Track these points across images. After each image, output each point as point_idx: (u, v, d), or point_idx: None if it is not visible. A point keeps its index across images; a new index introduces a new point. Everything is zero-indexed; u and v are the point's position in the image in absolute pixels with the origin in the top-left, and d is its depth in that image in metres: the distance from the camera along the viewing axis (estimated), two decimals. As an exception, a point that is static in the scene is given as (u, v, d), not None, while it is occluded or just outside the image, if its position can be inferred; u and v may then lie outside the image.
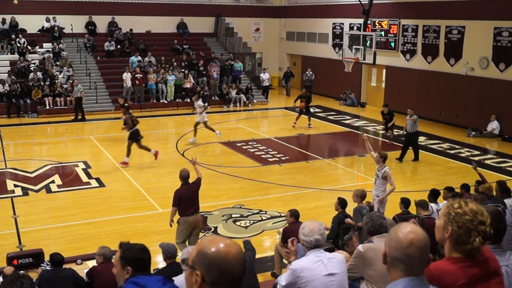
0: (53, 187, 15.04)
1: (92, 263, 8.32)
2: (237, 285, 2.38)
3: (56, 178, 15.78)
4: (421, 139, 19.54)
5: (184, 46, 31.24)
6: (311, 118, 23.44)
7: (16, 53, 28.14)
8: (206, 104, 21.14)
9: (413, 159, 17.82)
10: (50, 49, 28.81)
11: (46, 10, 30.17)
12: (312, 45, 33.78)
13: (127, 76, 26.76)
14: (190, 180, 10.28)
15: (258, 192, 14.80)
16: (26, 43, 28.55)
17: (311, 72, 31.32)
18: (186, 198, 10.04)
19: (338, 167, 17.79)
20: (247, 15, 35.06)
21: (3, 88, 25.38)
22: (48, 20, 30.12)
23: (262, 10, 35.83)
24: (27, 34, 29.48)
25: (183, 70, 28.77)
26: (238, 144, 20.02)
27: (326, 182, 15.83)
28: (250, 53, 34.28)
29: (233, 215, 12.90)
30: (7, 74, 26.20)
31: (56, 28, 29.59)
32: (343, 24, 30.71)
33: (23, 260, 8.43)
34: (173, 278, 5.41)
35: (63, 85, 26.15)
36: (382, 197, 11.38)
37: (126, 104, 19.92)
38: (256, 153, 18.94)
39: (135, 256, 3.82)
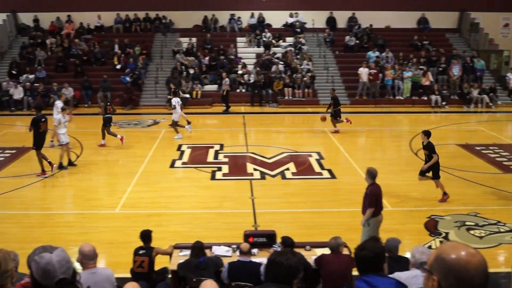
0: (288, 174, 15.73)
1: (321, 251, 8.49)
2: None
3: (291, 165, 16.48)
4: None
5: (424, 42, 30.44)
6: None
7: (261, 46, 30.00)
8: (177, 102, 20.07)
9: None
10: (292, 43, 30.14)
11: (290, 6, 31.62)
12: None
13: (362, 71, 26.90)
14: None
15: (497, 202, 13.65)
16: (271, 37, 30.26)
17: None
18: (379, 198, 9.82)
19: None
20: (495, 9, 32.73)
21: (249, 78, 27.28)
22: (291, 16, 31.56)
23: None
24: (272, 29, 31.21)
25: (421, 66, 28.04)
26: (477, 148, 18.80)
27: None
28: (496, 51, 32.07)
29: (467, 223, 12.12)
30: (252, 66, 28.08)
31: (298, 23, 30.88)
32: None
33: (258, 239, 8.89)
34: (398, 273, 5.34)
35: (303, 78, 27.15)
36: None
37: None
38: (497, 159, 17.59)
39: (362, 255, 3.82)
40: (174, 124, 19.96)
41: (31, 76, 27.62)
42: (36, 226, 12.07)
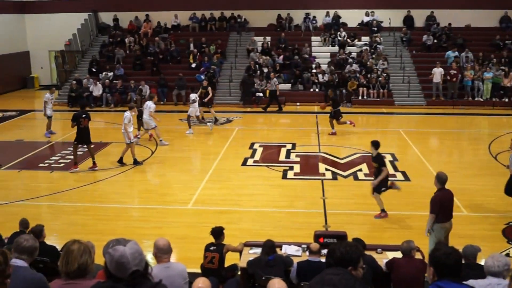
0: (360, 175, 15.54)
1: (392, 254, 8.32)
2: None
3: (364, 167, 16.26)
4: None
5: (506, 42, 29.29)
6: None
7: (336, 45, 29.76)
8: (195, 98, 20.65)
9: None
10: (368, 42, 29.73)
11: (366, 5, 31.20)
12: None
13: (436, 71, 26.13)
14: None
15: None
16: (346, 36, 29.97)
17: None
18: (445, 204, 9.42)
19: None
20: None
21: (323, 77, 27.12)
22: (367, 14, 31.13)
23: None
24: (347, 28, 30.89)
25: (502, 67, 27.01)
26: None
27: None
28: None
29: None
30: (326, 65, 27.89)
31: (374, 22, 30.42)
32: None
33: (328, 240, 8.79)
34: (472, 281, 5.14)
35: (378, 78, 26.74)
36: None
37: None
38: None
39: (438, 259, 3.73)
40: (188, 118, 20.93)
41: (110, 74, 28.50)
42: (112, 219, 12.42)
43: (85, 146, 16.36)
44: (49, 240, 8.72)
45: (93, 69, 29.18)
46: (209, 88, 23.17)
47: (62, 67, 31.38)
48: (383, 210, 12.29)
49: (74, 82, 27.69)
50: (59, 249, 8.14)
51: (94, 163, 16.19)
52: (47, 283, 4.87)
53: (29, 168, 16.47)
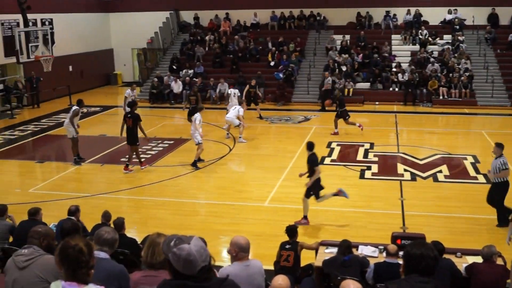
0: (440, 176, 15.16)
1: (472, 259, 8.09)
2: None
3: (444, 168, 15.87)
4: None
5: None
6: None
7: (417, 44, 29.13)
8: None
9: None
10: (450, 41, 28.92)
11: (449, 2, 30.34)
12: None
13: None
14: None
15: None
16: (427, 35, 29.28)
17: None
18: None
19: None
20: None
21: (402, 77, 26.62)
22: (450, 12, 30.26)
23: None
24: (429, 26, 30.15)
25: None
26: None
27: None
28: None
29: None
30: (407, 64, 27.36)
31: (457, 20, 29.54)
32: None
33: (406, 242, 8.63)
34: None
35: (460, 78, 25.98)
36: None
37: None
38: None
39: None
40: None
41: (190, 71, 29.06)
42: (189, 214, 12.68)
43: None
44: (128, 233, 9.01)
45: (174, 67, 29.86)
46: (257, 88, 23.91)
47: (144, 65, 32.25)
48: (305, 217, 11.84)
49: (156, 79, 28.42)
50: (138, 242, 8.41)
51: (126, 165, 15.90)
52: (128, 274, 5.04)
53: (111, 162, 17.04)
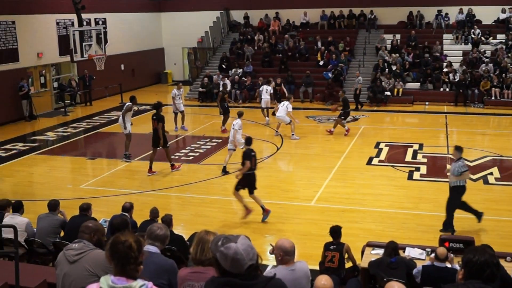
0: (491, 179, 14.88)
1: (523, 264, 7.95)
2: None
3: (495, 170, 15.55)
4: None
5: None
6: None
7: (469, 43, 28.55)
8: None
9: None
10: (503, 41, 28.25)
11: (503, 1, 29.58)
12: None
13: None
14: None
15: None
16: (480, 34, 28.65)
17: None
18: None
19: None
20: None
21: (454, 77, 26.16)
22: (503, 11, 29.51)
23: None
24: (482, 25, 29.51)
25: None
26: None
27: None
28: None
29: None
30: (459, 64, 26.86)
31: (511, 19, 28.80)
32: None
33: (454, 244, 8.55)
34: None
35: (513, 78, 25.39)
36: None
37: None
38: None
39: None
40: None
41: (239, 70, 29.26)
42: (235, 212, 12.79)
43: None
44: (175, 230, 9.16)
45: (223, 66, 30.11)
46: (282, 86, 25.13)
47: (194, 64, 32.63)
48: (246, 207, 12.17)
49: (205, 78, 28.70)
50: (185, 239, 8.56)
51: (150, 168, 15.83)
52: (177, 269, 5.17)
53: (160, 160, 17.31)
